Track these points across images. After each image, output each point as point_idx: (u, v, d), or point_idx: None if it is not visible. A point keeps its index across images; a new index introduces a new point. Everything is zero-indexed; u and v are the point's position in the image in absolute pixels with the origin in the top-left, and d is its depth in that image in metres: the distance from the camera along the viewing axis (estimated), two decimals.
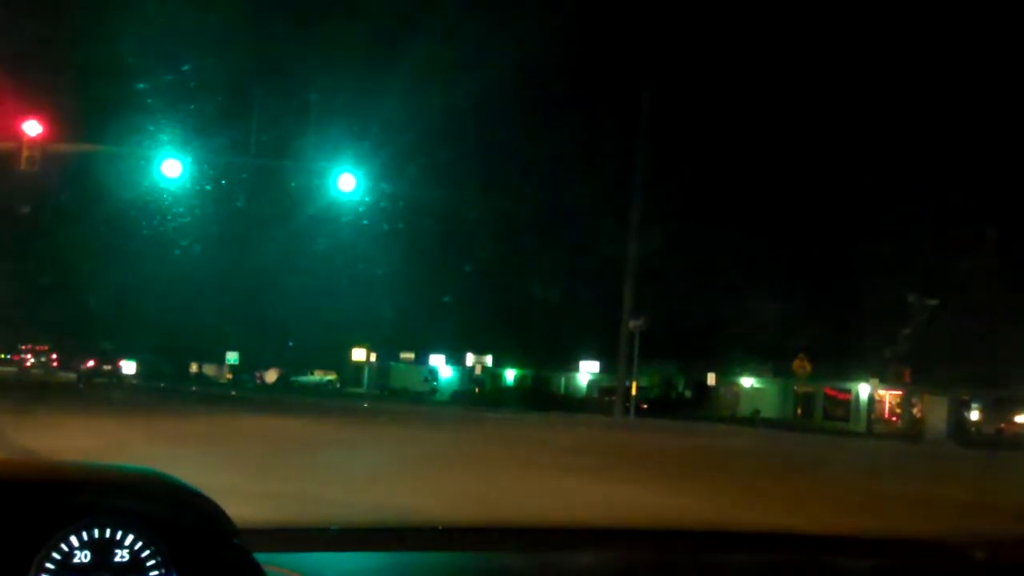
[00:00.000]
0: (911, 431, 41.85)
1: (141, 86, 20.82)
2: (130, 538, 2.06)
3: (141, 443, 16.25)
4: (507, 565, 3.13)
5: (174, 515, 2.10)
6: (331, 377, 70.40)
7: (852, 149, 42.18)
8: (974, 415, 34.57)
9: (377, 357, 68.75)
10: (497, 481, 12.70)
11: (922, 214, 38.46)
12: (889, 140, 40.72)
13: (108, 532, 2.05)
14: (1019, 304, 33.57)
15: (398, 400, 53.24)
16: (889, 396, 48.46)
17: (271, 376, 72.39)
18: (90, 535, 2.04)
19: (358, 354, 67.87)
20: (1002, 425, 29.87)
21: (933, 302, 36.54)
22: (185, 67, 21.47)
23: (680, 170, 43.64)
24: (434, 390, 63.64)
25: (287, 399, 44.40)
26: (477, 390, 60.65)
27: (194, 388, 58.02)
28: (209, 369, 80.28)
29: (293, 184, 23.71)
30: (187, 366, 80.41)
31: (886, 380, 46.47)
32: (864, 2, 40.92)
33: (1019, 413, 29.11)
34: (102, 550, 2.04)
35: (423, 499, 10.11)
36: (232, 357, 74.31)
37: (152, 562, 2.06)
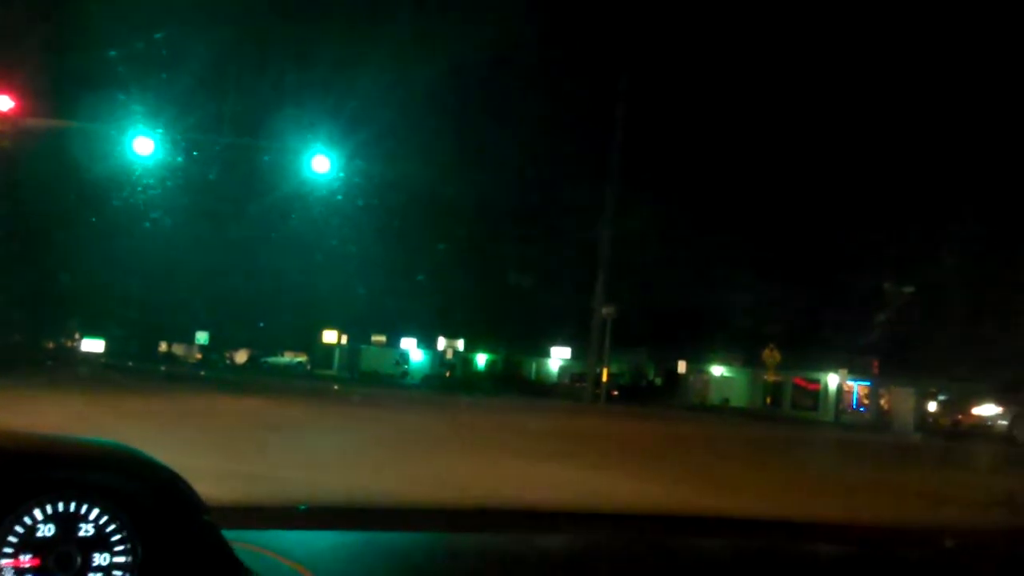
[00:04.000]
0: (878, 422, 42.27)
1: (114, 62, 20.63)
2: (95, 512, 2.03)
3: (108, 420, 16.14)
4: (474, 546, 3.14)
5: (141, 490, 2.07)
6: (301, 359, 70.14)
7: (825, 139, 42.40)
8: (932, 407, 35.03)
9: (348, 339, 68.57)
10: (465, 464, 12.71)
11: (895, 205, 38.76)
12: (863, 130, 40.95)
13: (73, 506, 2.03)
14: (989, 297, 33.93)
15: (368, 383, 53.06)
16: (858, 387, 48.91)
17: (241, 357, 72.07)
18: (55, 509, 2.01)
19: (329, 336, 67.66)
20: (959, 417, 30.25)
21: (905, 290, 36.83)
22: (159, 45, 21.27)
23: (655, 157, 43.72)
24: (405, 373, 63.57)
25: (257, 380, 44.19)
26: (448, 374, 60.66)
27: (163, 367, 57.65)
28: (178, 349, 79.76)
29: (266, 163, 23.57)
30: (156, 345, 79.81)
31: (854, 371, 46.90)
32: None
33: (978, 405, 29.50)
34: (67, 524, 2.02)
35: (391, 480, 10.10)
36: (202, 337, 73.84)
37: (117, 536, 2.04)
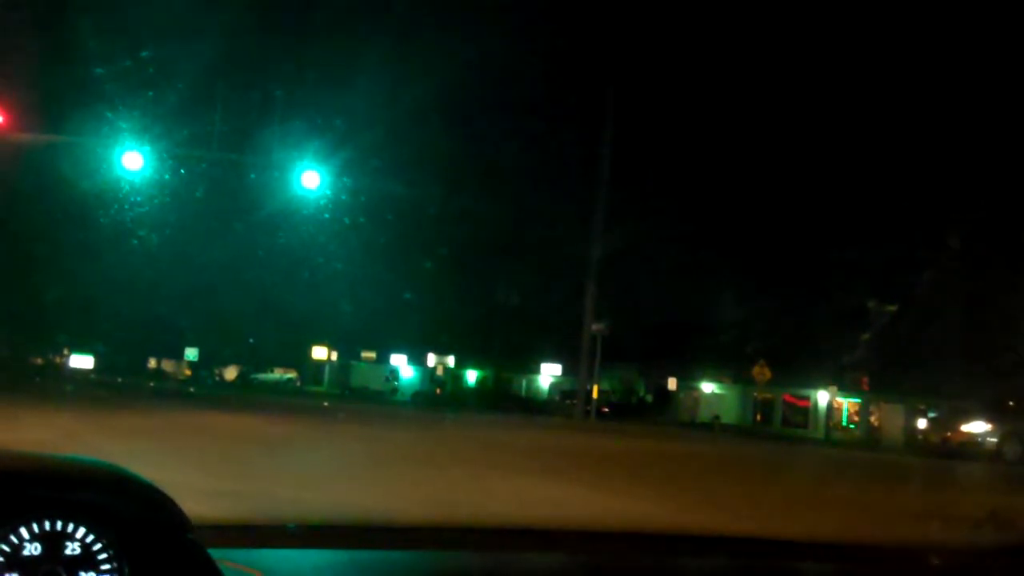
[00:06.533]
0: (868, 439, 42.29)
1: (104, 78, 20.64)
2: (81, 531, 2.03)
3: (96, 437, 16.07)
4: (463, 565, 3.13)
5: (126, 508, 2.08)
6: (291, 375, 69.94)
7: (812, 157, 42.51)
8: (921, 423, 35.11)
9: (338, 356, 68.42)
10: (455, 482, 12.69)
11: (886, 223, 38.87)
12: (853, 148, 41.08)
13: (59, 524, 2.03)
14: (979, 315, 34.04)
15: (358, 399, 52.99)
16: (848, 404, 48.95)
17: (230, 373, 71.82)
18: (41, 527, 2.01)
19: (319, 352, 67.52)
20: (948, 434, 30.24)
21: (891, 308, 36.93)
22: (148, 61, 21.31)
23: (645, 175, 43.85)
24: (395, 390, 63.44)
25: (246, 396, 44.07)
26: (438, 391, 60.53)
27: (152, 384, 57.46)
28: (168, 365, 79.46)
29: (256, 179, 23.58)
30: (145, 361, 79.53)
31: (844, 388, 46.94)
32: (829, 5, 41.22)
33: (967, 422, 29.51)
34: (53, 543, 2.02)
35: (381, 498, 10.06)
36: (191, 353, 73.57)
37: (104, 555, 2.04)
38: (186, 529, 2.11)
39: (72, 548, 2.03)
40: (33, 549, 2.00)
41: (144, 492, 2.10)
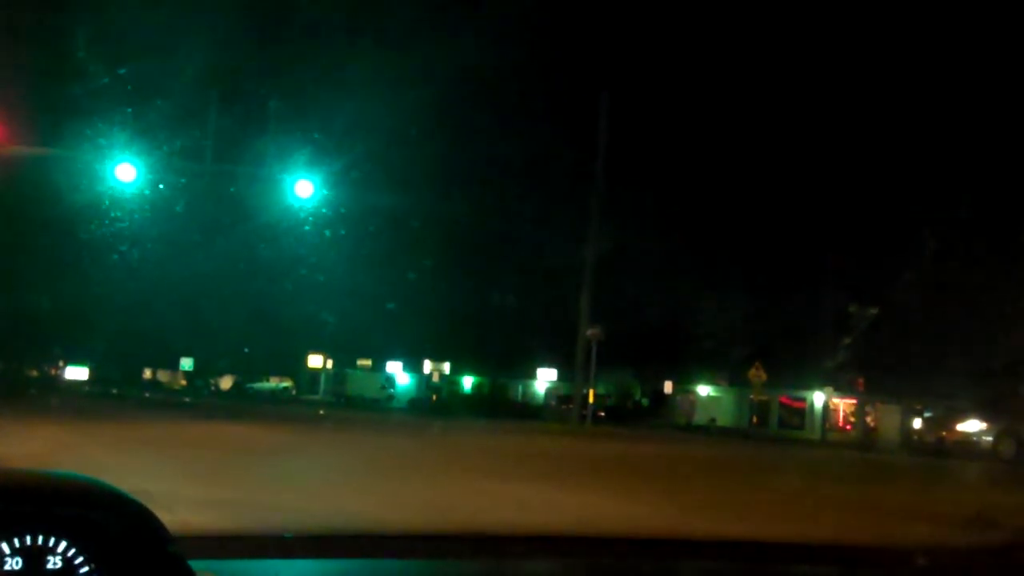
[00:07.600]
0: (864, 440, 42.34)
1: (98, 91, 20.63)
2: (63, 545, 2.02)
3: (90, 449, 16.03)
4: (461, 572, 3.12)
5: (107, 521, 2.06)
6: (287, 384, 69.94)
7: (803, 159, 42.59)
8: (917, 424, 35.20)
9: (334, 364, 68.40)
10: (451, 488, 12.67)
11: (877, 222, 38.95)
12: (842, 149, 41.16)
13: (40, 539, 2.01)
14: (971, 312, 34.10)
15: (354, 407, 52.97)
16: (843, 405, 49.01)
17: (226, 383, 71.82)
18: (22, 542, 2.00)
19: (314, 361, 67.49)
20: (944, 434, 30.35)
21: (873, 311, 36.99)
22: (141, 73, 21.32)
23: (639, 179, 43.88)
24: (391, 397, 63.39)
25: (242, 406, 44.02)
26: (434, 397, 60.53)
27: (147, 394, 57.40)
28: (163, 375, 79.48)
29: (250, 189, 23.58)
30: (140, 372, 79.53)
31: (840, 389, 46.99)
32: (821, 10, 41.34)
33: (963, 421, 29.59)
34: (34, 557, 2.01)
35: (377, 506, 10.05)
36: (186, 363, 73.61)
37: (85, 569, 2.03)
38: (167, 542, 2.10)
39: (53, 562, 2.02)
40: (14, 564, 1.99)
41: (125, 505, 2.09)
